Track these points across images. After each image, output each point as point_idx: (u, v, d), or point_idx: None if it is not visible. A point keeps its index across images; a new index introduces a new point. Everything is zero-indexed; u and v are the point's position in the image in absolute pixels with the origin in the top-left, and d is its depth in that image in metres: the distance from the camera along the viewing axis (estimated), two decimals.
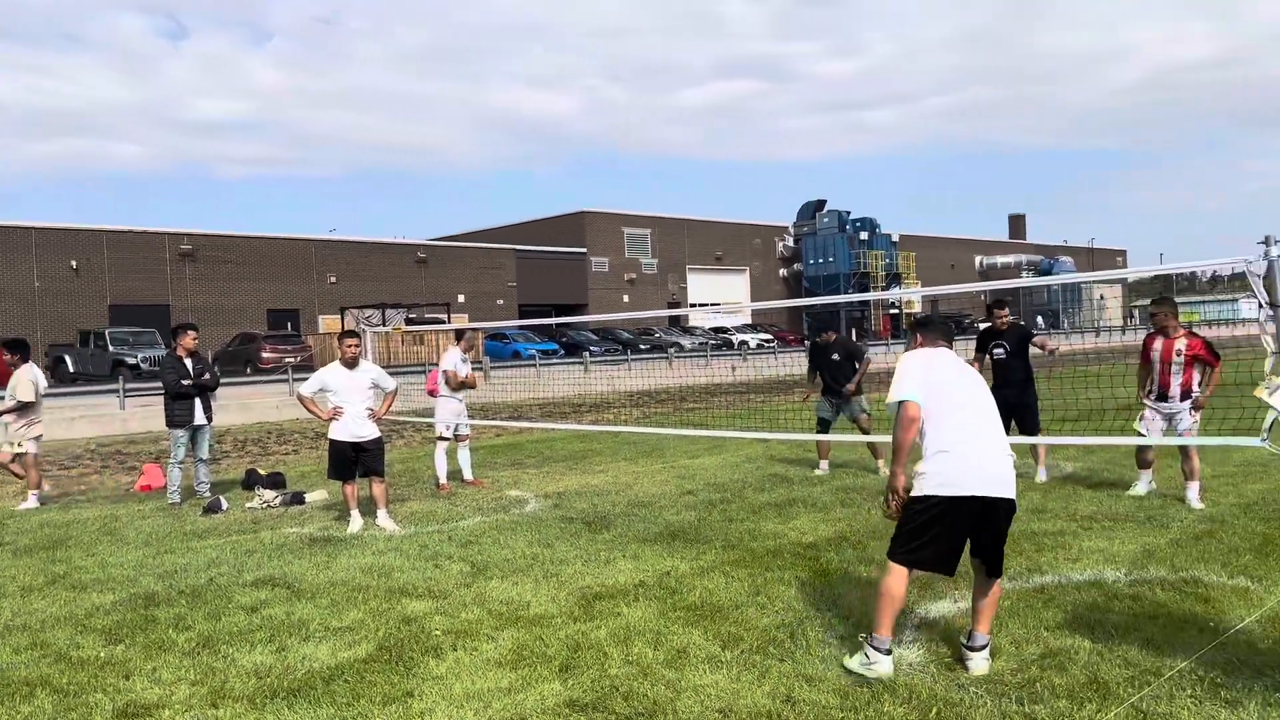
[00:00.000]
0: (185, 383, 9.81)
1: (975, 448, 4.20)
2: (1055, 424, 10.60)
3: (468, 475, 10.40)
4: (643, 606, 5.37)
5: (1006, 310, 9.21)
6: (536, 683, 4.29)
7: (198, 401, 9.94)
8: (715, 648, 4.64)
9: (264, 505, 9.34)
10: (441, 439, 10.19)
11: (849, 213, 62.57)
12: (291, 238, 43.44)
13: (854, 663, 4.23)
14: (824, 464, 10.19)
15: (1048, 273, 73.82)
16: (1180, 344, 7.63)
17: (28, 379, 10.16)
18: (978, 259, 75.51)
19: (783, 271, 63.83)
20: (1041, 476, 9.01)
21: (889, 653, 4.18)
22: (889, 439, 4.49)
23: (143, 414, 20.37)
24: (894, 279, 60.91)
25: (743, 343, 45.25)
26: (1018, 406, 8.70)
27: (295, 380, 24.86)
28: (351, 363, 8.31)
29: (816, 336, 10.38)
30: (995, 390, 9.99)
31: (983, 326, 9.56)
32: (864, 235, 61.70)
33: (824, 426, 10.11)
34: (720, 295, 59.05)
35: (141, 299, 38.21)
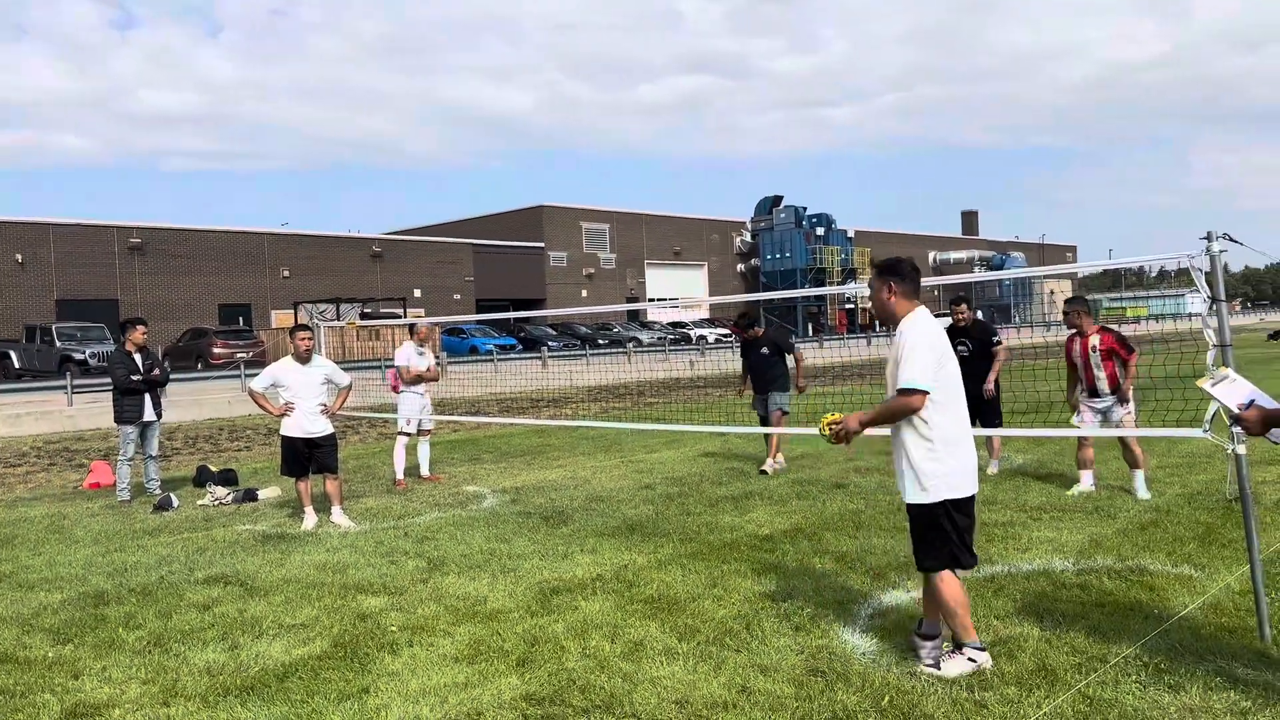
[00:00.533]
0: (135, 378, 9.63)
1: (969, 443, 4.14)
2: (1006, 417, 10.78)
3: (425, 471, 10.33)
4: (600, 600, 5.39)
5: (964, 307, 9.36)
6: (493, 677, 4.28)
7: (147, 397, 9.76)
8: (672, 640, 4.67)
9: (216, 502, 9.20)
10: (403, 434, 10.12)
11: (805, 208, 63.06)
12: (244, 231, 42.76)
13: (955, 668, 4.04)
14: (776, 460, 10.10)
15: (999, 268, 75.01)
16: (1094, 340, 7.83)
17: None
18: (931, 254, 76.50)
19: (740, 266, 64.17)
20: (993, 469, 9.16)
21: (984, 648, 4.13)
22: (781, 434, 4.30)
23: (91, 410, 19.95)
24: (849, 274, 61.49)
25: (701, 337, 45.42)
26: (979, 400, 8.83)
27: (247, 376, 24.49)
28: (304, 357, 8.19)
29: (745, 332, 10.38)
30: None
31: (943, 325, 9.67)
32: (820, 231, 62.20)
33: (765, 424, 10.13)
34: (679, 290, 59.20)
35: (89, 293, 37.39)
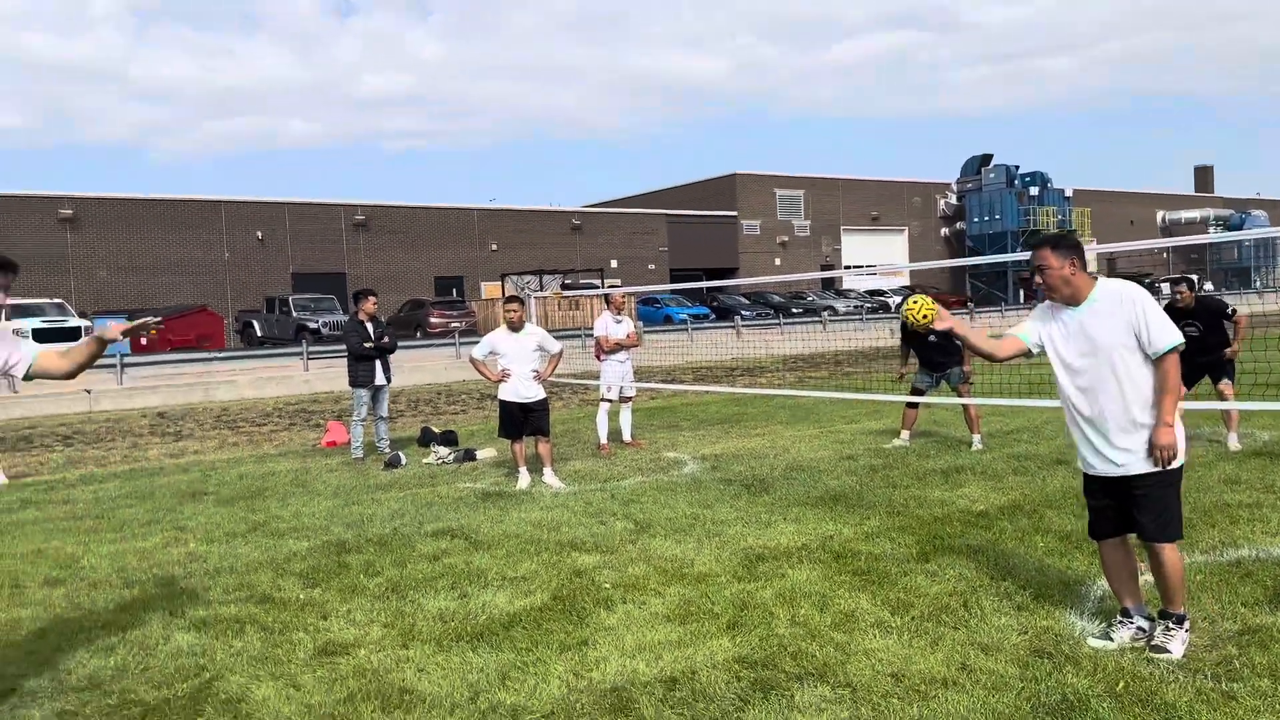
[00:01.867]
0: (367, 345, 10.40)
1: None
2: (1253, 390, 9.84)
3: (627, 436, 10.62)
4: (807, 569, 5.37)
5: (1185, 288, 8.76)
6: (704, 638, 4.37)
7: (378, 363, 10.52)
8: (884, 613, 4.59)
9: (439, 461, 9.84)
10: (605, 400, 10.43)
11: (1017, 167, 59.44)
12: (455, 207, 45.03)
13: (1179, 645, 3.93)
14: (905, 434, 9.75)
15: (1238, 228, 68.06)
16: None
17: None
18: (1160, 214, 70.38)
19: (944, 231, 61.45)
20: (1234, 444, 8.43)
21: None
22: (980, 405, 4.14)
23: (324, 375, 21.76)
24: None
25: (900, 305, 43.95)
26: (1207, 363, 8.46)
27: (461, 344, 25.94)
28: (515, 326, 8.58)
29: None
30: (1189, 359, 9.52)
31: (1164, 304, 9.07)
32: (1034, 191, 58.49)
33: (918, 396, 9.64)
34: (877, 257, 57.44)
35: (320, 267, 40.59)
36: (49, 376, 3.84)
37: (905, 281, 53.60)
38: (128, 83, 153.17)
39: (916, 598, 4.79)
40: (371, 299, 10.71)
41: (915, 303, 4.28)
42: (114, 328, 3.83)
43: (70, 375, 3.89)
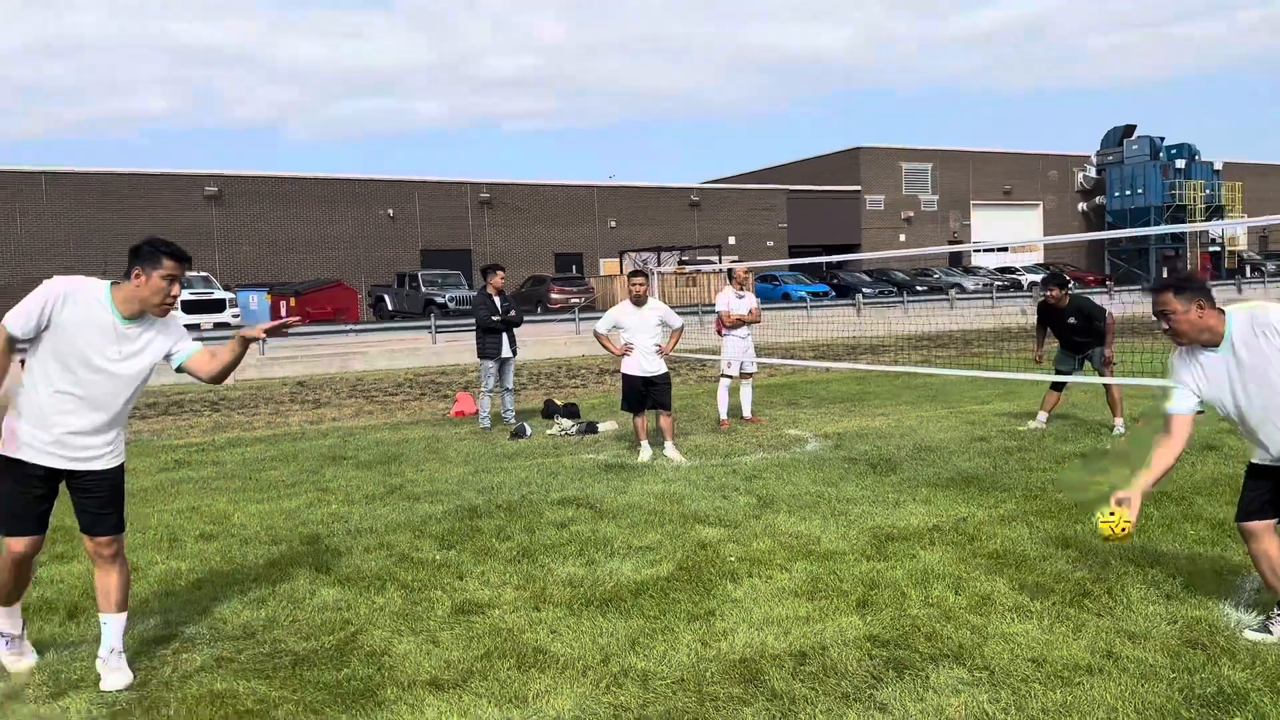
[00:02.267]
0: (495, 318, 10.65)
1: None
2: None
3: (747, 413, 10.56)
4: (939, 550, 5.25)
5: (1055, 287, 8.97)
6: (833, 615, 4.32)
7: (505, 336, 10.76)
8: (1023, 598, 4.45)
9: (562, 433, 10.01)
10: (725, 376, 10.40)
11: (1162, 139, 56.08)
12: (574, 184, 45.54)
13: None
14: (1043, 416, 9.36)
15: None
16: None
17: None
18: None
19: (1082, 205, 58.60)
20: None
21: None
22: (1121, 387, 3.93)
23: (452, 348, 22.41)
24: (1216, 212, 54.11)
25: (1034, 284, 42.24)
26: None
27: (581, 319, 26.27)
28: (639, 300, 8.63)
29: (1045, 292, 9.32)
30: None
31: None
32: (1180, 163, 55.07)
33: (1059, 383, 9.23)
34: (1009, 233, 55.25)
35: (447, 244, 41.76)
36: (195, 375, 4.02)
37: (1038, 258, 51.47)
38: (266, 65, 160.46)
39: (1057, 583, 4.62)
40: (500, 273, 10.94)
41: (1112, 515, 3.92)
42: (257, 329, 4.02)
43: (216, 379, 4.06)
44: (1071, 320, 9.10)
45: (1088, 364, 9.29)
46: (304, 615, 4.61)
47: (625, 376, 8.67)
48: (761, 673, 3.73)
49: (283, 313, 29.97)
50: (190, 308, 26.96)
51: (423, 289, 33.41)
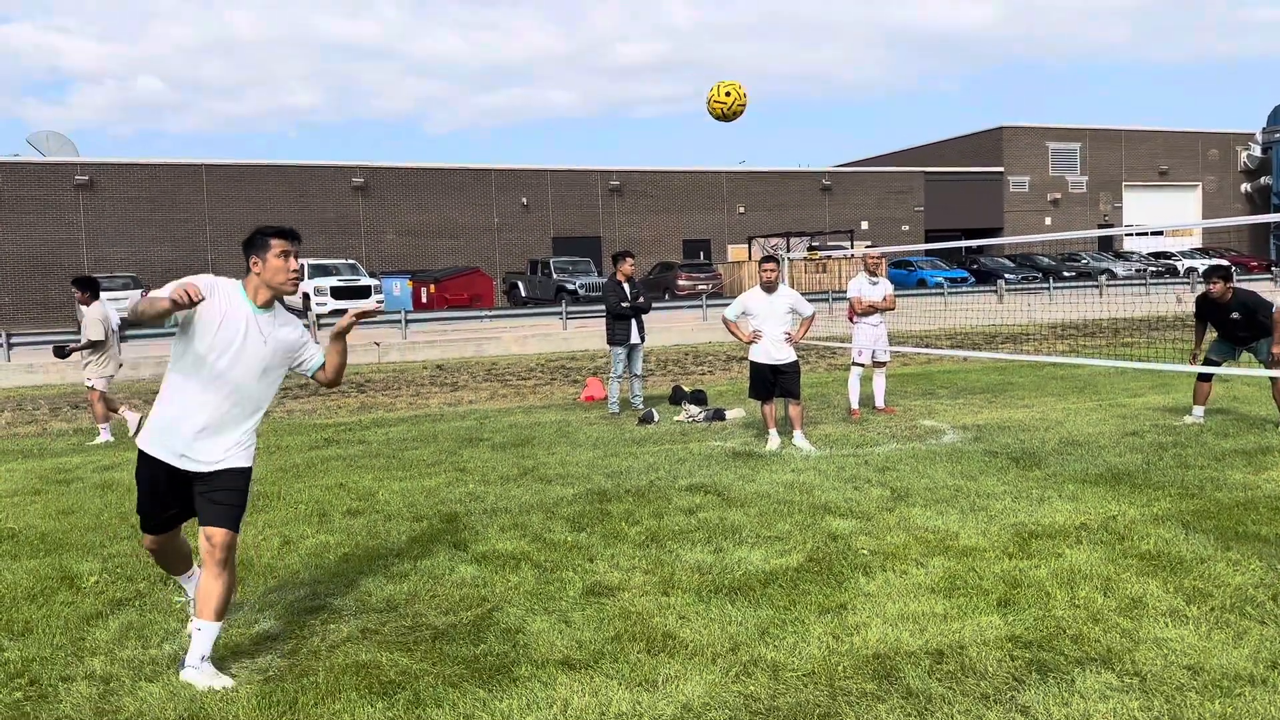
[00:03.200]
0: (625, 305, 10.75)
1: None
2: None
3: (879, 403, 10.32)
4: (1087, 550, 5.00)
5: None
6: (973, 613, 4.19)
7: (633, 322, 10.84)
8: (1178, 601, 4.20)
9: (690, 419, 10.03)
10: (856, 364, 10.19)
11: None
12: (703, 170, 45.42)
13: None
14: (1199, 410, 8.78)
15: None
16: None
17: (96, 318, 9.82)
18: None
19: (1245, 187, 54.61)
20: None
21: None
22: None
23: (581, 334, 22.76)
24: None
25: (1191, 269, 39.68)
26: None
27: (709, 306, 26.22)
28: (770, 287, 8.53)
29: (1209, 285, 8.68)
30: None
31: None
32: None
33: (1211, 368, 8.54)
34: (1164, 215, 52.04)
35: (577, 231, 42.40)
36: (320, 382, 4.18)
37: (1196, 243, 48.33)
38: (407, 59, 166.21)
39: (1216, 587, 4.34)
40: (629, 260, 11.02)
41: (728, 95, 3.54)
42: (342, 321, 4.04)
43: (334, 382, 4.21)
44: (1235, 316, 8.54)
45: (1247, 355, 8.68)
46: (443, 591, 4.78)
47: (753, 364, 8.60)
48: (896, 669, 3.65)
49: (423, 298, 31.09)
50: (339, 293, 28.29)
51: (554, 276, 34.05)
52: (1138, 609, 4.14)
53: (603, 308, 11.29)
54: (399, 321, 23.66)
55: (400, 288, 31.84)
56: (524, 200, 41.69)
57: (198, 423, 3.80)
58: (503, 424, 10.50)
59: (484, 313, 27.26)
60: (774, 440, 8.40)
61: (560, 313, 25.31)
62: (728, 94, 7.68)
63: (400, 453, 8.80)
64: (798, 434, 8.41)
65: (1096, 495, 6.18)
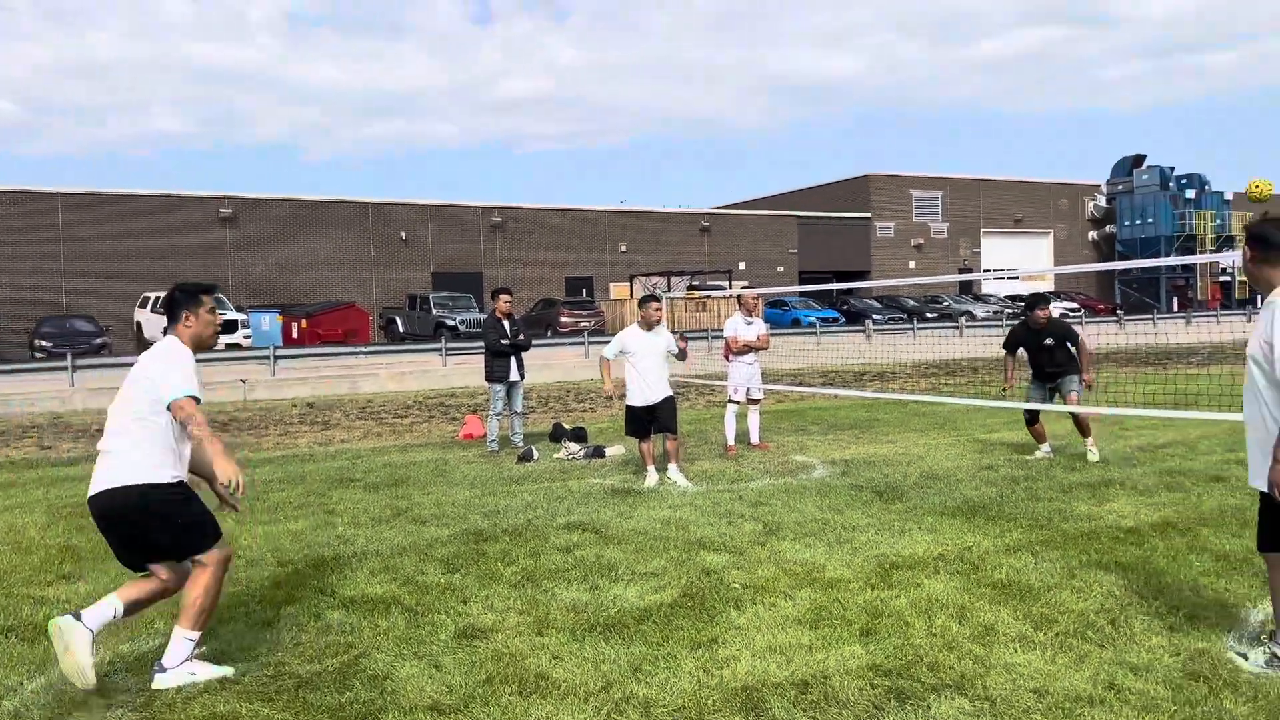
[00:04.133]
0: (504, 342, 10.71)
1: None
2: None
3: (754, 439, 10.57)
4: (944, 580, 5.24)
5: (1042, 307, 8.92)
6: (837, 644, 4.32)
7: (513, 359, 10.81)
8: (1026, 628, 4.44)
9: (570, 457, 10.04)
10: (732, 402, 10.42)
11: (1173, 168, 56.13)
12: (587, 209, 45.78)
13: (1258, 661, 3.89)
14: (1045, 446, 9.27)
15: None
16: None
17: None
18: None
19: (1093, 234, 58.59)
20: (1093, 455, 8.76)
21: None
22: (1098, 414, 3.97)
23: (461, 370, 22.50)
24: (1226, 242, 54.01)
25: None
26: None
27: (591, 343, 26.34)
28: (651, 326, 8.65)
29: (1035, 313, 9.09)
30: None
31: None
32: (1190, 194, 55.07)
33: (1034, 415, 9.17)
34: (1019, 261, 55.24)
35: (459, 266, 41.97)
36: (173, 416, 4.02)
37: (1049, 286, 51.41)
38: (283, 87, 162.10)
39: (1061, 614, 4.61)
40: (504, 297, 11.00)
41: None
42: (220, 482, 3.98)
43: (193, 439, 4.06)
44: (1049, 342, 9.06)
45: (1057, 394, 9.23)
46: (308, 638, 4.63)
47: (629, 407, 8.69)
48: (763, 701, 3.73)
49: (294, 334, 30.15)
50: None
51: (434, 311, 33.57)
52: (989, 636, 4.36)
53: (483, 344, 11.22)
54: (267, 357, 22.88)
55: (269, 322, 30.77)
56: (403, 234, 41.07)
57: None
58: (376, 464, 10.26)
59: (359, 349, 26.63)
60: (652, 477, 8.48)
61: (440, 349, 24.97)
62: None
63: (265, 495, 8.49)
64: (673, 468, 8.52)
65: (954, 527, 6.48)
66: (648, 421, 8.59)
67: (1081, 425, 9.11)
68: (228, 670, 4.18)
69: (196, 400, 3.99)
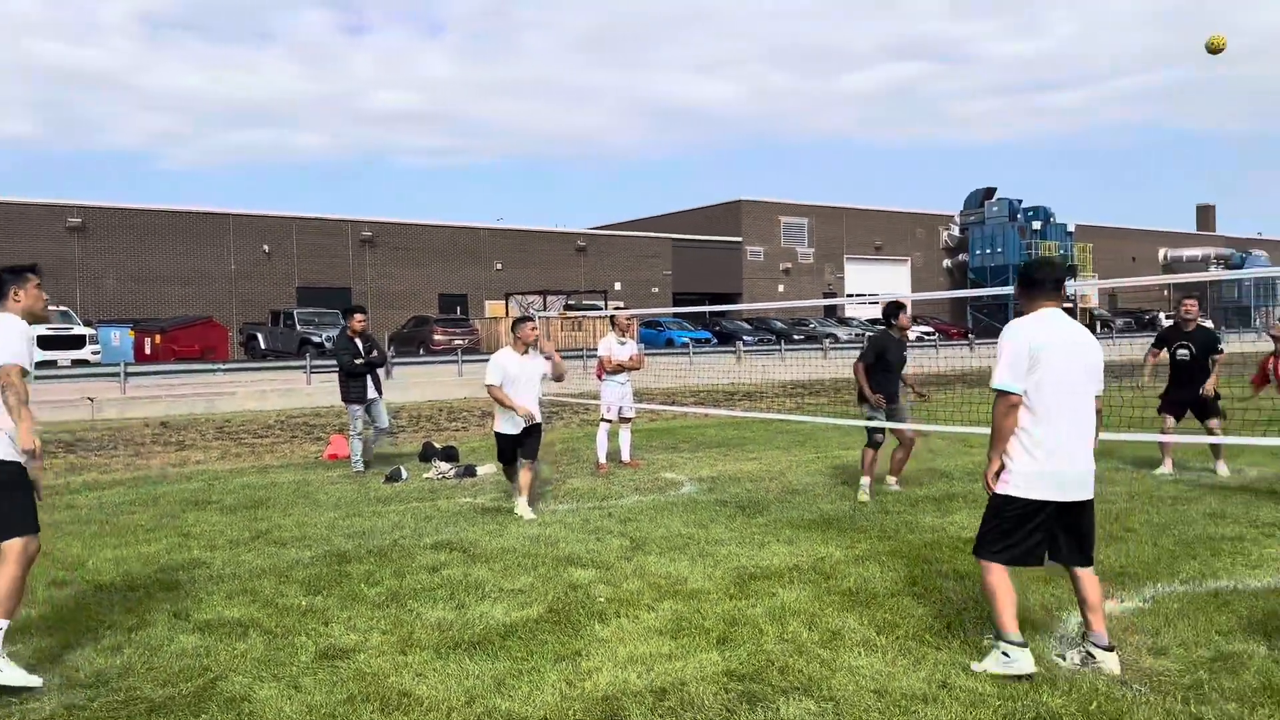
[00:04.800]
0: (358, 362, 10.56)
1: (1063, 452, 4.15)
2: (1241, 427, 10.00)
3: (626, 457, 10.74)
4: (798, 589, 5.51)
5: (1194, 303, 9.06)
6: (695, 652, 4.50)
7: (369, 378, 10.66)
8: (870, 632, 4.73)
9: (440, 476, 9.97)
10: (605, 420, 10.57)
11: (1020, 201, 59.85)
12: (461, 226, 45.38)
13: (991, 664, 4.16)
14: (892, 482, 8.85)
15: (1239, 267, 68.35)
16: None
17: None
18: (1162, 252, 70.77)
19: (947, 262, 61.80)
20: (1222, 471, 8.81)
21: (1025, 645, 4.15)
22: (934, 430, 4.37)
23: (326, 388, 21.83)
24: (1069, 271, 57.82)
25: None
26: (1194, 402, 9.05)
27: (465, 361, 26.07)
28: (526, 349, 8.34)
29: (896, 318, 8.63)
30: (1173, 389, 9.55)
31: (1168, 324, 9.38)
32: (1036, 225, 58.81)
33: (877, 437, 8.42)
34: (879, 286, 57.67)
35: (326, 281, 40.85)
36: None
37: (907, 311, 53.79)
38: (138, 92, 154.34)
39: (903, 618, 4.92)
40: (358, 315, 10.80)
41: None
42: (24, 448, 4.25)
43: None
44: (905, 354, 8.74)
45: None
46: (161, 662, 4.50)
47: (502, 435, 8.24)
48: (622, 709, 3.86)
49: (148, 349, 28.74)
50: (47, 343, 25.50)
51: (298, 327, 32.57)
52: (836, 640, 4.62)
53: (337, 365, 10.99)
54: (117, 374, 21.74)
55: (120, 337, 29.20)
56: (266, 248, 39.73)
57: None
58: (234, 485, 9.94)
59: (217, 365, 25.60)
60: (523, 504, 8.21)
61: (304, 366, 24.26)
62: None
63: (115, 518, 8.13)
64: (521, 500, 7.98)
65: (809, 539, 6.79)
66: (515, 447, 8.28)
67: (897, 461, 8.82)
68: (36, 681, 4.16)
69: (25, 372, 4.28)
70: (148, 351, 29.04)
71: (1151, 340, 9.95)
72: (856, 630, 4.76)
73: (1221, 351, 9.18)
